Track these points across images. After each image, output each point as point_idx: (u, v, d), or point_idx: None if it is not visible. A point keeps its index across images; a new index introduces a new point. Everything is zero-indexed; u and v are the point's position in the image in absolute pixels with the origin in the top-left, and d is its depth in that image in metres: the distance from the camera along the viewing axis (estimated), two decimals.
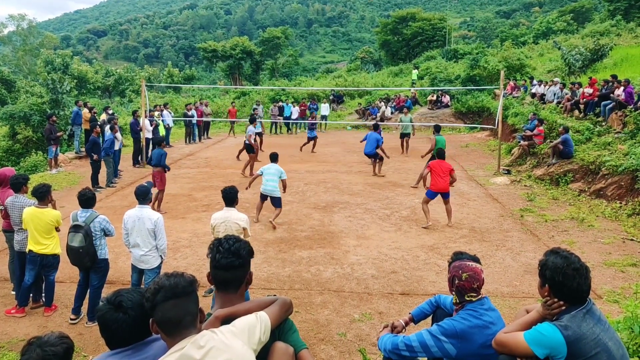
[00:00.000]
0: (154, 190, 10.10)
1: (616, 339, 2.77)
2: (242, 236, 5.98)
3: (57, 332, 2.57)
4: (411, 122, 19.62)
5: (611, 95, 14.98)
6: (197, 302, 2.15)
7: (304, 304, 6.59)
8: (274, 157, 10.55)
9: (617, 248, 8.77)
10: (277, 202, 10.20)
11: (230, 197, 6.32)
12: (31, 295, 6.63)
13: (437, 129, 14.41)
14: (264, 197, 10.30)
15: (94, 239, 6.01)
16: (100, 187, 13.20)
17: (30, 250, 6.28)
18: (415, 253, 8.55)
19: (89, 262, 6.02)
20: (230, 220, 6.15)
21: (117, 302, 2.29)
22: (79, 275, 6.34)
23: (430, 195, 10.20)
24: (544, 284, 2.85)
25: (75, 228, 5.96)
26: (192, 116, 22.11)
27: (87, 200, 6.11)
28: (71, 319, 6.20)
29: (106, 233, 6.20)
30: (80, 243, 5.91)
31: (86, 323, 6.16)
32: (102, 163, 13.50)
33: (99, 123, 14.92)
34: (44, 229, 6.20)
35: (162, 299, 2.04)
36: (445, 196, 10.22)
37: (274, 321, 2.35)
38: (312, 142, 19.68)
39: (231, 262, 2.36)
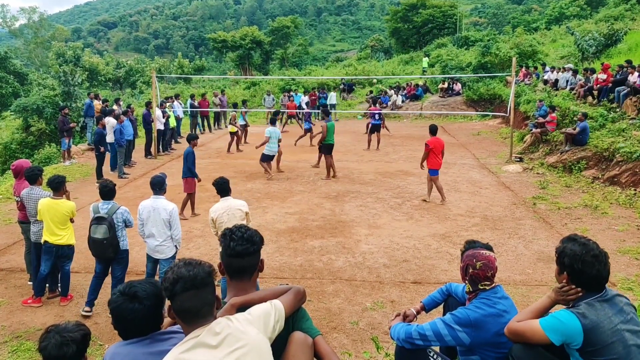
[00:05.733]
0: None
1: (635, 330, 2.72)
2: (245, 221, 6.04)
3: (74, 321, 2.64)
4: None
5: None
6: (215, 291, 2.17)
7: (316, 292, 6.62)
8: (274, 121, 13.94)
9: (632, 235, 8.69)
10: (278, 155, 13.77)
11: (223, 187, 6.35)
12: (47, 285, 6.73)
13: (326, 114, 13.83)
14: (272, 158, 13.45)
15: (116, 230, 6.05)
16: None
17: (45, 241, 6.35)
18: (427, 242, 8.54)
19: (112, 253, 6.04)
20: (233, 208, 6.15)
21: (132, 293, 2.33)
22: (96, 268, 6.30)
23: (436, 173, 10.75)
24: (562, 271, 2.81)
25: (98, 220, 5.98)
26: (198, 107, 22.14)
27: (108, 191, 6.13)
28: (86, 311, 6.14)
29: (127, 224, 6.24)
30: (104, 235, 5.93)
31: (109, 313, 6.19)
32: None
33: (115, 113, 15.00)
34: (59, 220, 6.27)
35: (181, 290, 2.05)
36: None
37: (288, 310, 2.37)
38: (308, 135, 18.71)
39: (246, 248, 2.39)
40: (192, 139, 10.29)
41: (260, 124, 25.58)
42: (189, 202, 10.24)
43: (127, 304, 2.31)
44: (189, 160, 9.99)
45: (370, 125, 17.77)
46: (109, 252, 6.03)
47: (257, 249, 2.45)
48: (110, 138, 13.77)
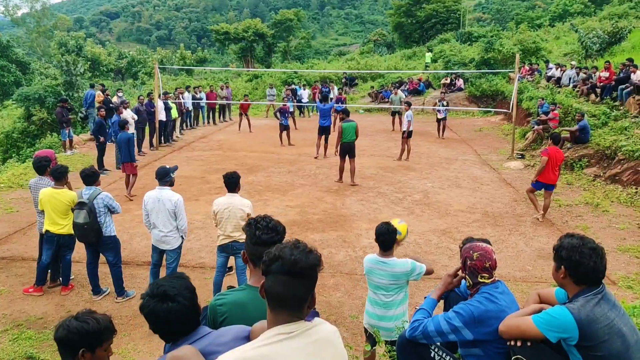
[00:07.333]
0: None
1: (631, 325, 2.74)
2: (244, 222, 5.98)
3: (98, 315, 2.60)
4: (401, 102, 18.51)
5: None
6: (310, 287, 2.02)
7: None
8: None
9: (632, 234, 8.70)
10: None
11: (232, 182, 6.13)
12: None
13: (346, 113, 12.25)
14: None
15: (97, 215, 6.14)
16: (107, 170, 13.23)
17: (47, 231, 6.37)
18: (428, 237, 8.56)
19: (94, 237, 6.18)
20: (235, 207, 5.97)
21: (161, 293, 2.17)
22: (87, 255, 6.49)
23: None
24: (560, 266, 2.81)
25: (79, 205, 6.13)
26: (201, 99, 22.12)
27: (86, 177, 6.27)
28: (94, 299, 6.42)
29: (110, 210, 6.31)
30: (85, 219, 6.06)
31: (116, 299, 6.39)
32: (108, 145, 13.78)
33: (112, 105, 15.03)
34: (60, 210, 6.28)
35: (275, 270, 1.90)
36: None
37: None
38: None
39: (271, 237, 2.51)
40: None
41: (261, 117, 25.57)
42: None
43: (160, 305, 2.15)
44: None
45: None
46: (91, 237, 6.18)
47: (281, 239, 2.52)
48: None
